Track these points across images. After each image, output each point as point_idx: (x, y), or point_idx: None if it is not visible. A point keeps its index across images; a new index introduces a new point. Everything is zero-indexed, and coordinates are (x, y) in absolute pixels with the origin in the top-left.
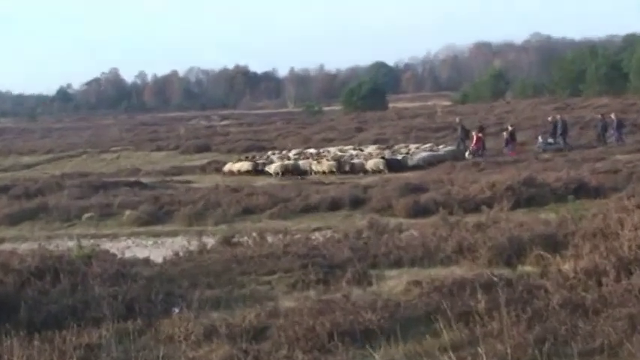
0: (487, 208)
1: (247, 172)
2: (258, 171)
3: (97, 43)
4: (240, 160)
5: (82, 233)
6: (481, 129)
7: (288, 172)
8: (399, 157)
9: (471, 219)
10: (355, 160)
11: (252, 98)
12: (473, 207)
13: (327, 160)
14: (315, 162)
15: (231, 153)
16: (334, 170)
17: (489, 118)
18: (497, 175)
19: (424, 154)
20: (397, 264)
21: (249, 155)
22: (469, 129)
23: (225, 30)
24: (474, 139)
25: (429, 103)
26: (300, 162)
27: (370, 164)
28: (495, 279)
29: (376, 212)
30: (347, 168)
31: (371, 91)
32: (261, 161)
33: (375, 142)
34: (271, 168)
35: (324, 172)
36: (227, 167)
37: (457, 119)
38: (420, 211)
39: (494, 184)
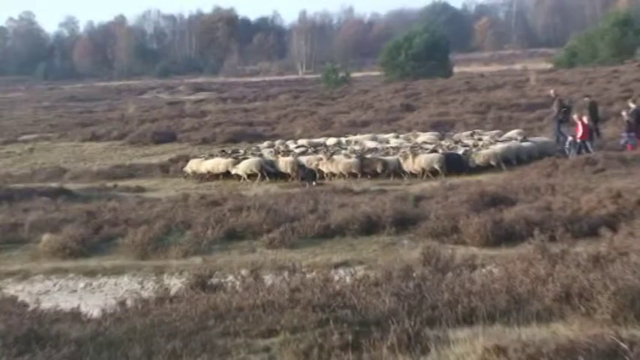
0: (609, 231)
1: (223, 175)
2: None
3: None
4: (212, 155)
5: None
6: (592, 107)
7: (269, 172)
8: (460, 151)
9: (585, 248)
10: (389, 157)
11: (241, 59)
12: (587, 230)
13: (345, 155)
14: (324, 159)
15: (207, 145)
16: (355, 172)
17: (611, 89)
18: (623, 179)
19: (498, 146)
20: (468, 320)
21: (231, 148)
22: (570, 106)
23: None
24: (578, 124)
25: (517, 66)
26: (304, 158)
27: (418, 162)
28: (623, 345)
29: (434, 238)
30: (377, 168)
31: (426, 47)
32: (245, 157)
33: (432, 128)
34: (239, 168)
35: (341, 175)
36: (191, 166)
37: (552, 92)
38: (504, 237)
39: (620, 193)
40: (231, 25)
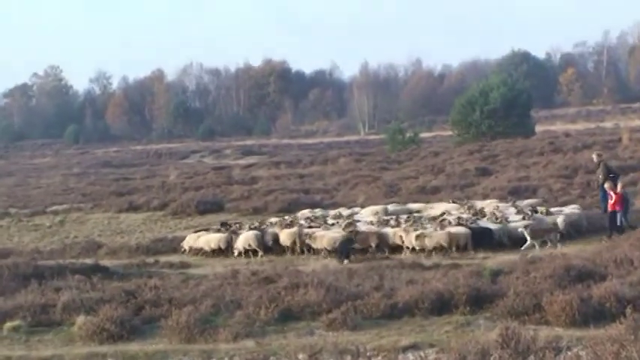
0: None
1: (217, 251)
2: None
3: (23, 26)
4: (204, 230)
5: (1, 356)
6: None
7: (265, 245)
8: (492, 223)
9: None
10: (389, 229)
11: (295, 118)
12: None
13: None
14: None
15: (258, 215)
16: (330, 249)
17: None
18: None
19: (527, 222)
20: None
21: (228, 222)
22: (618, 172)
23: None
24: (612, 194)
25: (607, 123)
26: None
27: (432, 238)
28: None
29: (514, 317)
30: (371, 243)
31: (504, 103)
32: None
33: (510, 194)
34: (239, 241)
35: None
36: (187, 242)
37: (594, 156)
38: (592, 316)
39: None
40: (283, 79)
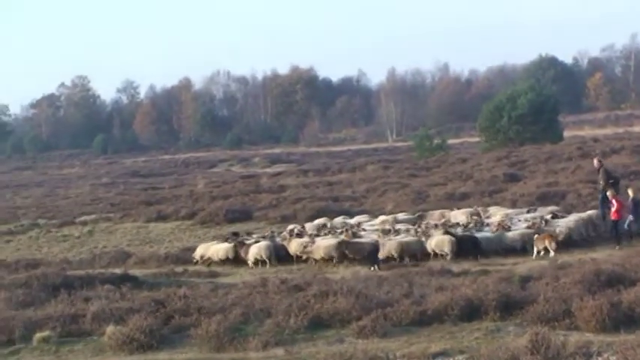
0: None
1: (227, 261)
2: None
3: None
4: (223, 239)
5: None
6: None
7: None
8: (484, 232)
9: None
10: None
11: (323, 126)
12: None
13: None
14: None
15: (288, 222)
16: (327, 258)
17: None
18: None
19: (521, 227)
20: None
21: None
22: (618, 177)
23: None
24: (614, 202)
25: (636, 128)
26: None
27: (432, 242)
28: None
29: (544, 323)
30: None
31: (532, 108)
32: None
33: (539, 200)
34: (251, 252)
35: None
36: (198, 252)
37: (595, 161)
38: (623, 321)
39: None
40: (311, 87)
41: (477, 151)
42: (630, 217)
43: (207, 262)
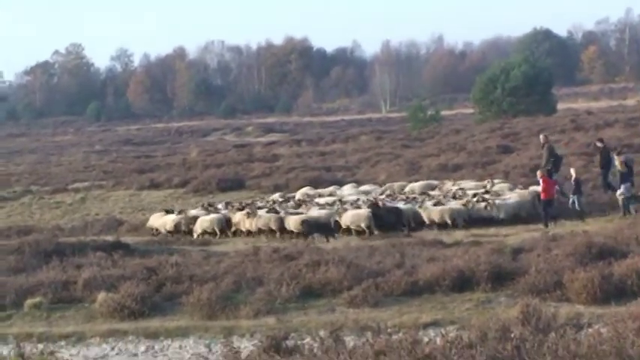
0: None
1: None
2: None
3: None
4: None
5: (22, 332)
6: (605, 153)
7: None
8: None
9: None
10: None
11: (317, 96)
12: None
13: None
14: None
15: (280, 191)
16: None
17: None
18: None
19: (456, 202)
20: None
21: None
22: (561, 155)
23: None
24: (541, 181)
25: (630, 101)
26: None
27: (347, 218)
28: None
29: (535, 295)
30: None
31: (526, 80)
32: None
33: (533, 171)
34: (197, 225)
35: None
36: (151, 222)
37: (541, 137)
38: (613, 293)
39: None
40: (305, 57)
41: (470, 123)
42: (572, 197)
43: (157, 233)
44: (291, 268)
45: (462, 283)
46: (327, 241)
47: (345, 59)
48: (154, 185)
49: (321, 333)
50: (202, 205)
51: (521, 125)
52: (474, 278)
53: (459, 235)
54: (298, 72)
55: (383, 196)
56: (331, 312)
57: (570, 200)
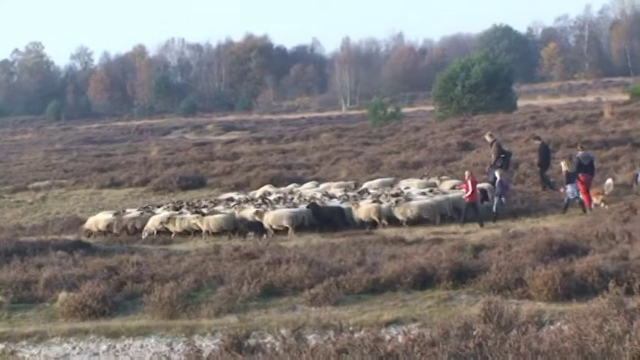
0: None
1: (108, 232)
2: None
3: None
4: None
5: None
6: (544, 150)
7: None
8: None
9: None
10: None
11: (277, 94)
12: None
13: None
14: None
15: (240, 190)
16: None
17: None
18: None
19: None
20: None
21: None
22: (509, 152)
23: None
24: (468, 183)
25: (589, 98)
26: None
27: (269, 217)
28: None
29: (496, 292)
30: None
31: (486, 77)
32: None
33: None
34: (149, 223)
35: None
36: (89, 223)
37: (487, 136)
38: (574, 290)
39: None
40: (265, 55)
41: (430, 120)
42: (495, 198)
43: (88, 233)
44: (252, 266)
45: (424, 280)
46: (260, 240)
47: (305, 57)
48: (115, 184)
49: (283, 331)
50: (138, 208)
51: (482, 122)
52: (435, 276)
53: (420, 232)
54: (258, 70)
55: (319, 195)
56: (293, 310)
57: (568, 195)
